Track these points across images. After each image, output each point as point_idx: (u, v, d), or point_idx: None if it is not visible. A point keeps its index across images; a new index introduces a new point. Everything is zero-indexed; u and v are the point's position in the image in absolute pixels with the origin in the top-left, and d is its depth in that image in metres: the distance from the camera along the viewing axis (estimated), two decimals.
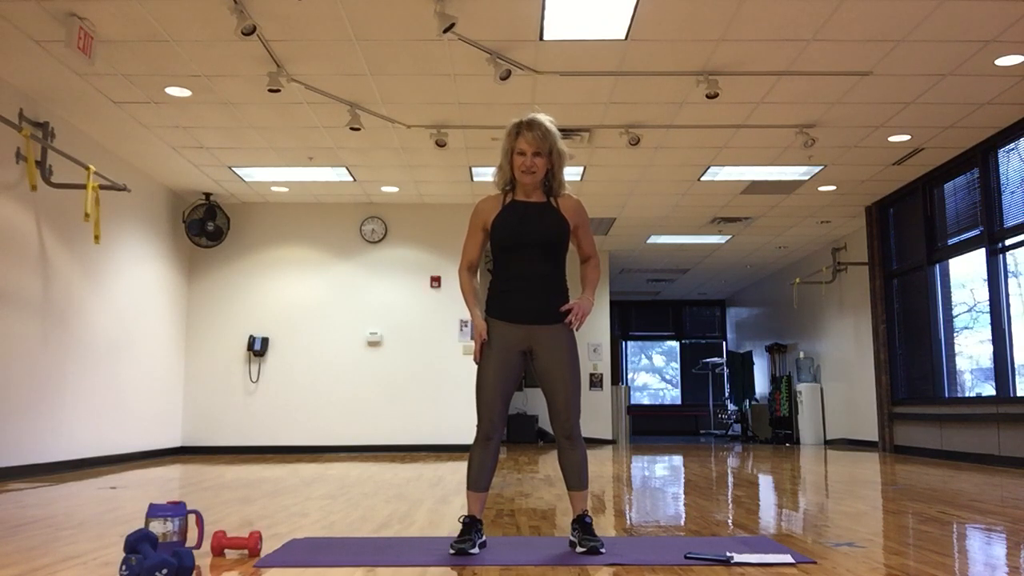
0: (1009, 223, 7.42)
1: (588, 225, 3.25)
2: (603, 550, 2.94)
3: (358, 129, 6.87)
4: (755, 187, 9.07)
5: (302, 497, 4.86)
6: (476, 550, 2.94)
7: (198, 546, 2.95)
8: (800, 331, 13.45)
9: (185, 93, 6.45)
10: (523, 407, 12.65)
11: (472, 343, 9.59)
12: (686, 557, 2.84)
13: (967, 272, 8.44)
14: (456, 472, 6.67)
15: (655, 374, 19.69)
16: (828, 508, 4.36)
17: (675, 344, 19.12)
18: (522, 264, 3.07)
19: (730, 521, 3.88)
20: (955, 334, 8.69)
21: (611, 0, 5.00)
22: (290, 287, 9.79)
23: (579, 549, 2.97)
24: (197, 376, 9.58)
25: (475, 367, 9.22)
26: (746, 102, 6.61)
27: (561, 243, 3.12)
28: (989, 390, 7.96)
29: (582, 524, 3.02)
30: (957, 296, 8.63)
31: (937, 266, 8.78)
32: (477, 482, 3.06)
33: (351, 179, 8.82)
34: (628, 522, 3.86)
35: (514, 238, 3.06)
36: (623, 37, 5.48)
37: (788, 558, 2.81)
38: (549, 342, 3.06)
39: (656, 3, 5.03)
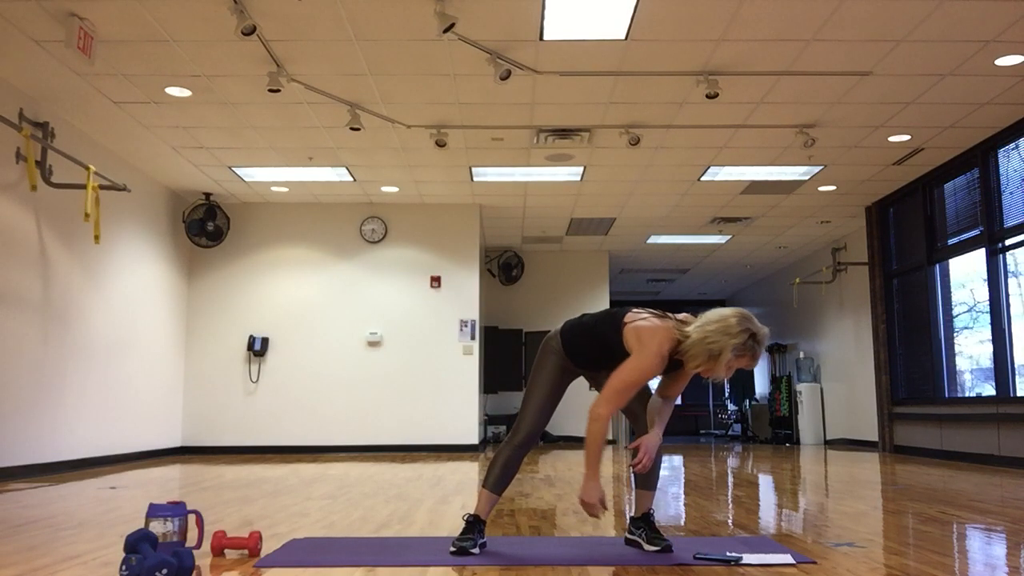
0: (1009, 223, 7.42)
1: (689, 378, 3.11)
2: (673, 550, 2.96)
3: (358, 129, 6.87)
4: (755, 187, 9.07)
5: (302, 497, 4.86)
6: (476, 549, 2.94)
7: (198, 546, 2.95)
8: (800, 331, 13.45)
9: (185, 93, 6.45)
10: None
11: (471, 343, 9.70)
12: (695, 557, 2.85)
13: (967, 272, 8.44)
14: (456, 472, 6.67)
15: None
16: (828, 508, 4.36)
17: None
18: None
19: (730, 521, 3.88)
20: (955, 334, 8.69)
21: (611, 0, 5.00)
22: (290, 287, 9.79)
23: (650, 548, 2.98)
24: (197, 376, 9.58)
25: (474, 367, 9.21)
26: (746, 102, 6.61)
27: None
28: (989, 390, 7.96)
29: (648, 523, 3.04)
30: (957, 296, 8.63)
31: (937, 266, 8.78)
32: (497, 483, 3.04)
33: (351, 179, 8.82)
34: (628, 522, 3.85)
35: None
36: (623, 37, 5.48)
37: (788, 558, 2.81)
38: (610, 370, 3.10)
39: (656, 3, 5.03)
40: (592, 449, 2.82)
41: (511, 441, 3.05)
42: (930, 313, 8.82)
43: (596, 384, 3.20)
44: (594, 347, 2.98)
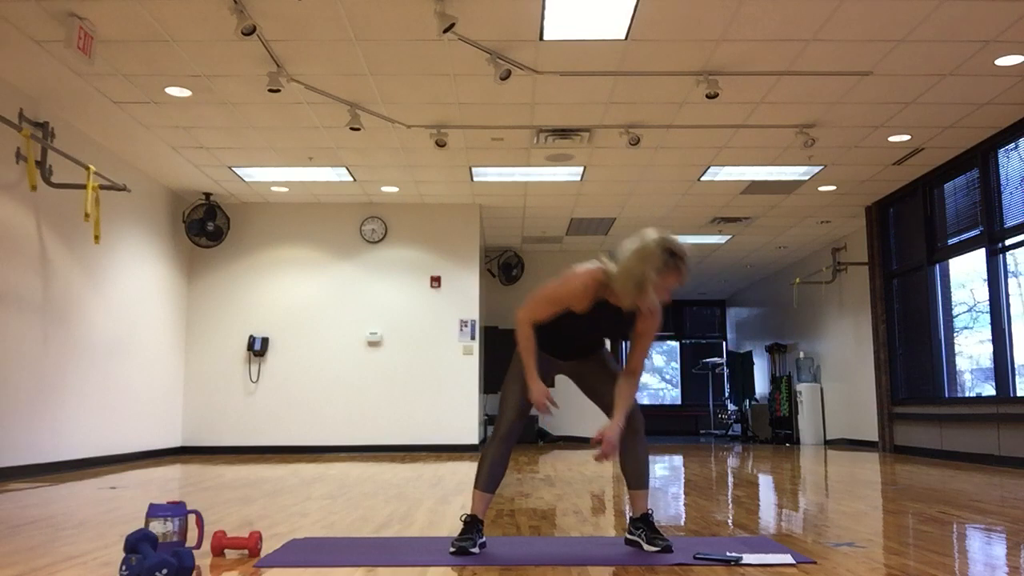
0: (1009, 223, 7.42)
1: (651, 339, 3.03)
2: (674, 550, 2.96)
3: (358, 129, 6.87)
4: (755, 187, 9.07)
5: (302, 497, 4.86)
6: (476, 549, 2.94)
7: (198, 546, 2.95)
8: (800, 331, 13.45)
9: (185, 93, 6.45)
10: None
11: (471, 343, 9.70)
12: (695, 557, 2.85)
13: (967, 272, 8.44)
14: (456, 472, 6.67)
15: (655, 374, 19.70)
16: (828, 508, 4.36)
17: (675, 344, 19.12)
18: (582, 338, 3.08)
19: (730, 521, 3.88)
20: (955, 334, 8.69)
21: (611, 0, 5.00)
22: (290, 287, 9.79)
23: (650, 548, 2.98)
24: (197, 376, 9.58)
25: (474, 367, 9.22)
26: (746, 102, 6.61)
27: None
28: (989, 390, 7.96)
29: (648, 523, 3.04)
30: (957, 296, 8.63)
31: (937, 266, 8.78)
32: (488, 482, 3.06)
33: (351, 179, 8.82)
34: (628, 523, 3.85)
35: (581, 334, 3.05)
36: (623, 37, 5.48)
37: (788, 558, 2.81)
38: (591, 364, 3.14)
39: (656, 3, 5.03)
40: (523, 352, 2.99)
41: (494, 437, 3.08)
42: (930, 313, 8.81)
43: (581, 384, 3.17)
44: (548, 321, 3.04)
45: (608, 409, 3.11)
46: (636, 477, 3.09)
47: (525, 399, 3.05)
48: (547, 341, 3.08)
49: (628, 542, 3.11)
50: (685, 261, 2.80)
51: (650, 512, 3.08)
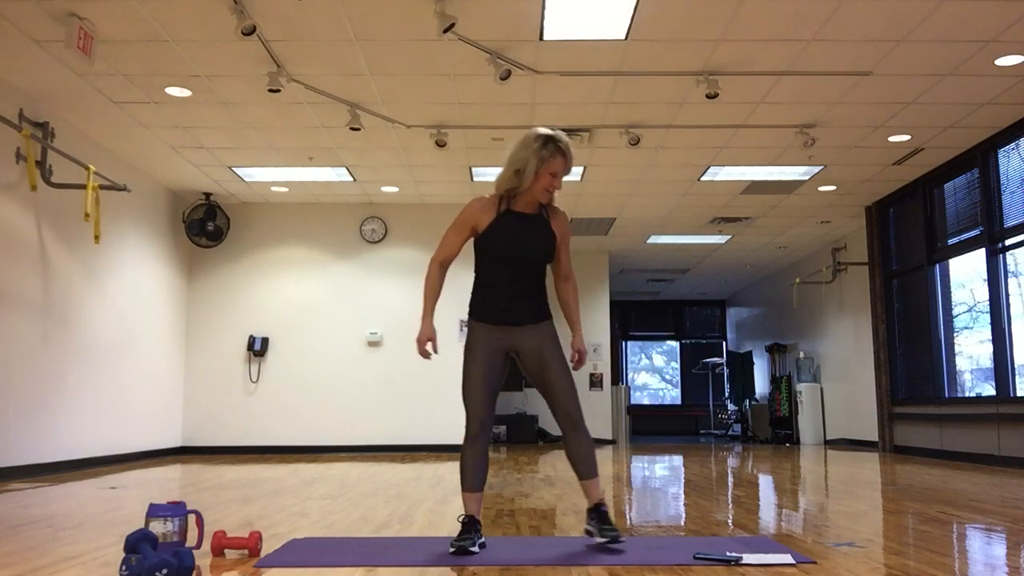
0: (1009, 223, 7.42)
1: (569, 242, 3.27)
2: (623, 539, 2.98)
3: (358, 129, 6.87)
4: (755, 187, 9.07)
5: (302, 497, 4.86)
6: (476, 548, 2.94)
7: (198, 546, 2.95)
8: (800, 331, 13.45)
9: (185, 93, 6.45)
10: (523, 407, 12.65)
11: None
12: (695, 557, 2.85)
13: (967, 272, 8.44)
14: (456, 472, 6.67)
15: (655, 374, 19.69)
16: (828, 508, 4.36)
17: (675, 344, 19.12)
18: (510, 275, 3.12)
19: (730, 521, 3.88)
20: (955, 334, 8.69)
21: (611, 0, 5.00)
22: (290, 287, 9.79)
23: (599, 540, 3.02)
24: (197, 376, 9.58)
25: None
26: (746, 102, 6.61)
27: (550, 258, 3.19)
28: (989, 390, 7.96)
29: (599, 514, 3.07)
30: (957, 296, 8.63)
31: (937, 266, 8.78)
32: (472, 482, 3.07)
33: (351, 179, 8.82)
34: (628, 522, 3.86)
35: (506, 252, 3.09)
36: (623, 37, 5.48)
37: (788, 558, 2.81)
38: (535, 340, 3.14)
39: (656, 3, 5.03)
40: (425, 293, 3.19)
41: (465, 438, 3.10)
42: (930, 313, 8.81)
43: (537, 382, 3.16)
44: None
45: (558, 413, 3.12)
46: (583, 466, 3.12)
47: (487, 398, 3.07)
48: (488, 295, 3.11)
49: (586, 532, 3.17)
50: (561, 142, 3.04)
51: (602, 503, 3.11)
